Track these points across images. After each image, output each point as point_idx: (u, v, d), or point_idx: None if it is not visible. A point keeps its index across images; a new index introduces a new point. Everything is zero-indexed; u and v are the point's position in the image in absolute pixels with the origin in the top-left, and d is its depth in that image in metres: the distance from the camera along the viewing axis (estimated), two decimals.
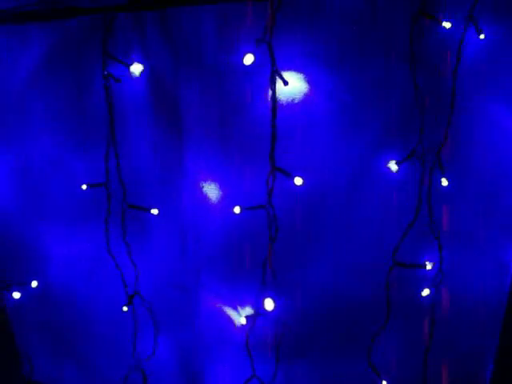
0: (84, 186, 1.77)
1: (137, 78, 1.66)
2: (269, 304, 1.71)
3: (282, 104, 1.56)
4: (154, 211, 1.77)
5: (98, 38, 1.62)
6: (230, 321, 1.86)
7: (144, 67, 1.64)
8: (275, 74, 1.49)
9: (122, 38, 1.63)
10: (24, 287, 1.99)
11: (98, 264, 1.90)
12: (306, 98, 1.56)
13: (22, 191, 1.91)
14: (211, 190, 1.73)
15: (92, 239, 1.86)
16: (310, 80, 1.54)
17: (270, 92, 1.52)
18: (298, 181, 1.58)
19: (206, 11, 1.54)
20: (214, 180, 1.72)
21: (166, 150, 1.73)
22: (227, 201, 1.70)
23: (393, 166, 1.56)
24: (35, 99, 1.77)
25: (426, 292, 1.64)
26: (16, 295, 1.99)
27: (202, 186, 1.74)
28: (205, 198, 1.74)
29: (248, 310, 1.81)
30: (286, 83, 1.49)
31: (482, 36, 1.41)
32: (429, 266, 1.63)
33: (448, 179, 1.54)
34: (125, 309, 1.88)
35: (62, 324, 2.07)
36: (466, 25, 1.41)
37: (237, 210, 1.65)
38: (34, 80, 1.76)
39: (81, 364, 2.12)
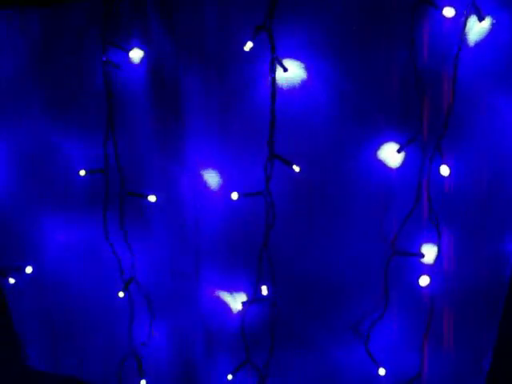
0: (82, 172, 1.77)
1: (137, 64, 1.66)
2: (264, 291, 1.72)
3: (282, 92, 1.55)
4: (152, 198, 1.76)
5: (98, 23, 1.62)
6: (226, 307, 1.86)
7: (144, 54, 1.64)
8: (275, 61, 1.49)
9: (122, 24, 1.63)
10: (20, 273, 2.00)
11: (96, 250, 1.90)
12: (306, 86, 1.55)
13: (19, 177, 1.92)
14: (211, 178, 1.73)
15: (90, 226, 1.86)
16: (309, 68, 1.54)
17: (270, 79, 1.51)
18: (296, 168, 1.58)
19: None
20: (213, 167, 1.73)
21: (166, 137, 1.73)
22: (226, 188, 1.70)
23: (393, 153, 1.55)
24: (33, 85, 1.78)
25: (424, 281, 1.63)
26: (11, 281, 2.00)
27: (202, 174, 1.74)
28: (204, 185, 1.74)
29: (244, 297, 1.81)
30: (285, 70, 1.49)
31: (484, 23, 1.39)
32: (427, 255, 1.62)
33: (448, 167, 1.52)
34: (121, 294, 1.88)
35: (58, 310, 2.08)
36: (468, 11, 1.38)
37: (234, 195, 1.65)
38: (33, 65, 1.76)
39: (77, 350, 2.13)
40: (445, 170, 1.52)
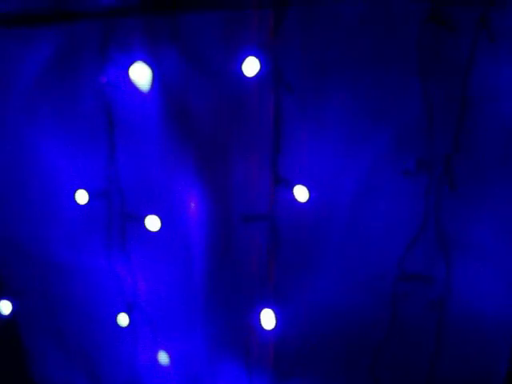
0: (85, 199, 1.75)
1: (143, 83, 1.64)
2: (269, 319, 1.68)
3: (287, 113, 1.54)
4: (153, 221, 1.75)
5: (105, 40, 1.61)
6: (230, 333, 1.84)
7: (152, 72, 1.63)
8: (280, 82, 1.48)
9: (128, 42, 1.62)
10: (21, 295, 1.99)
11: (98, 273, 1.88)
12: (313, 108, 1.54)
13: (19, 195, 1.91)
14: (215, 201, 1.72)
15: (92, 248, 1.85)
16: (315, 89, 1.52)
17: (274, 101, 1.51)
18: (301, 193, 1.56)
19: (214, 18, 1.54)
20: (219, 190, 1.71)
21: (173, 158, 1.71)
22: (233, 210, 1.69)
23: (401, 176, 1.52)
24: (37, 103, 1.77)
25: (432, 307, 1.59)
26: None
27: (208, 196, 1.72)
28: (210, 208, 1.73)
29: (248, 322, 1.77)
30: (291, 92, 1.48)
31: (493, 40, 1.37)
32: (435, 281, 1.58)
33: (457, 190, 1.49)
34: (123, 319, 1.87)
35: (62, 331, 2.07)
36: (478, 31, 1.36)
37: (238, 219, 1.64)
38: (36, 84, 1.75)
39: (82, 372, 2.12)
40: (453, 192, 1.49)
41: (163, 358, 1.96)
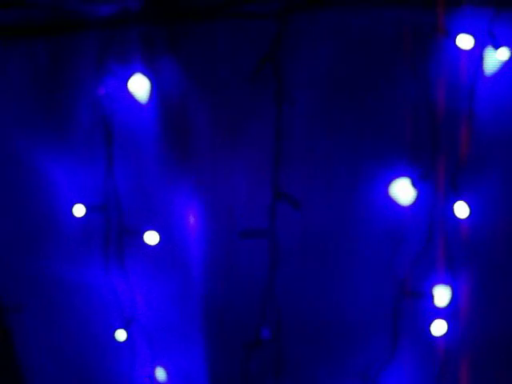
0: (81, 211, 1.72)
1: (142, 95, 1.62)
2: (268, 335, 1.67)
3: (289, 126, 1.52)
4: (152, 237, 1.72)
5: (103, 51, 1.59)
6: (229, 350, 1.80)
7: (150, 83, 1.61)
8: (281, 94, 1.46)
9: (127, 53, 1.60)
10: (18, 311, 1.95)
11: (96, 288, 1.84)
12: (313, 120, 1.53)
13: (16, 209, 1.87)
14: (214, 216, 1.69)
15: (90, 263, 1.81)
16: (317, 101, 1.51)
17: (275, 114, 1.49)
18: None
19: (215, 28, 1.53)
20: (218, 204, 1.69)
21: (171, 171, 1.69)
22: (231, 226, 1.66)
23: (404, 190, 1.49)
24: (33, 114, 1.74)
25: (436, 325, 1.56)
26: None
27: (207, 211, 1.70)
28: (209, 222, 1.70)
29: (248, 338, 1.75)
30: (292, 103, 1.46)
31: (501, 53, 1.35)
32: (439, 298, 1.55)
33: (464, 203, 1.47)
34: (121, 334, 1.83)
35: (59, 346, 2.01)
36: (484, 42, 1.35)
37: (237, 234, 1.61)
38: (32, 95, 1.72)
39: None
40: (460, 208, 1.46)
41: (161, 374, 1.93)
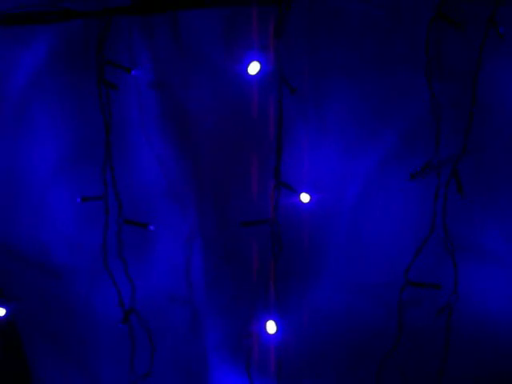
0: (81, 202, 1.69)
1: (143, 84, 1.62)
2: (271, 326, 1.64)
3: (290, 113, 1.49)
4: (151, 228, 1.70)
5: (102, 39, 1.54)
6: (232, 339, 1.81)
7: (149, 73, 1.60)
8: (282, 82, 1.43)
9: (126, 42, 1.59)
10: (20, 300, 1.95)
11: (97, 278, 1.84)
12: (317, 107, 1.51)
13: (16, 200, 1.87)
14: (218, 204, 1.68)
15: (91, 252, 1.80)
16: (320, 88, 1.50)
17: (276, 102, 1.45)
18: (305, 197, 1.52)
19: (214, 16, 1.51)
20: (221, 194, 1.68)
21: (172, 162, 1.68)
22: (233, 215, 1.66)
23: (408, 180, 1.49)
24: (33, 105, 1.73)
25: (440, 313, 1.55)
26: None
27: (209, 200, 1.69)
28: (211, 212, 1.70)
29: (250, 329, 1.73)
30: (293, 91, 1.43)
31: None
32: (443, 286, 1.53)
33: (465, 193, 1.45)
34: (121, 325, 1.82)
35: (60, 334, 2.04)
36: (487, 29, 1.32)
37: (241, 224, 1.57)
38: (32, 85, 1.70)
39: (81, 376, 2.09)
40: (461, 195, 1.45)
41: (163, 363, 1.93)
